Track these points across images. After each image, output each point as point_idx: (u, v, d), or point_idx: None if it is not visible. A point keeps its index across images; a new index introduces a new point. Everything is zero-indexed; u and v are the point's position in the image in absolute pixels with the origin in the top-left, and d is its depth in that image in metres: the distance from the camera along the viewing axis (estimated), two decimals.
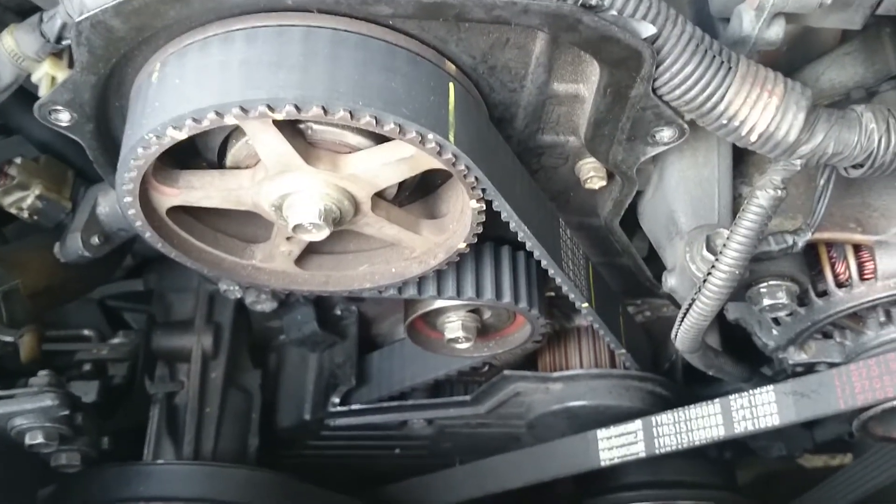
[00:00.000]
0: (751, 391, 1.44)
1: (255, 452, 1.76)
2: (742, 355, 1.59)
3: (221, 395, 1.74)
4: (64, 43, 1.12)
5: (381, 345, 1.85)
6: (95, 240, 1.35)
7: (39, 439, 1.29)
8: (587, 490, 1.87)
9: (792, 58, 1.35)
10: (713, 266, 1.17)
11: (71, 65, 1.12)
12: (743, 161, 1.35)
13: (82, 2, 1.05)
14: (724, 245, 1.16)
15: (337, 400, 1.78)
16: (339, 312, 1.80)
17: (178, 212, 1.23)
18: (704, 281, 1.19)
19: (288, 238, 1.27)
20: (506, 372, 1.67)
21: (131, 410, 1.69)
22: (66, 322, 1.93)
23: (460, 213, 1.25)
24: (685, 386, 1.76)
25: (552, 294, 1.56)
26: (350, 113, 1.00)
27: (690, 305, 1.22)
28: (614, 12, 1.03)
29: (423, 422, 1.82)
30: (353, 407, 1.77)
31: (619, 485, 1.83)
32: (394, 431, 1.84)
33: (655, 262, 1.54)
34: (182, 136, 1.03)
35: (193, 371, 1.72)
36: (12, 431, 1.29)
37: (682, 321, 1.25)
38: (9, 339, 1.30)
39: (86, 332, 2.01)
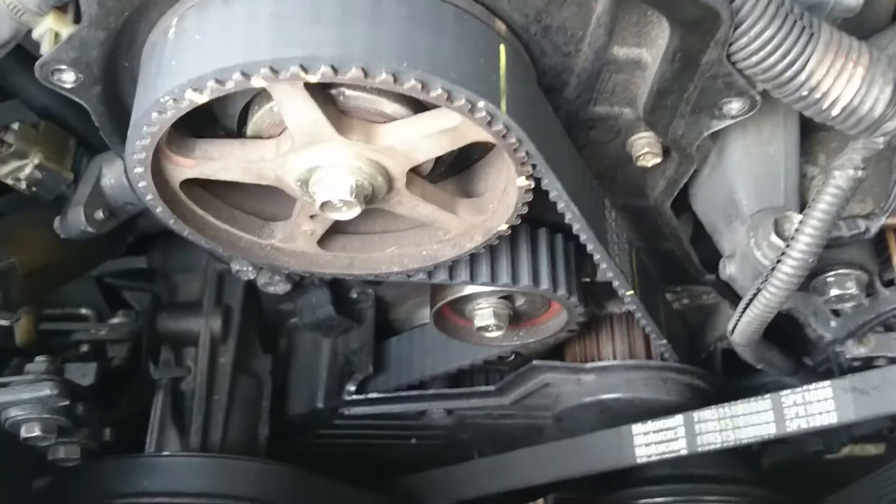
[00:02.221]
0: (805, 387, 1.34)
1: (266, 442, 1.66)
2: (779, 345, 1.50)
3: (230, 382, 1.63)
4: None
5: (400, 330, 1.75)
6: (100, 214, 1.23)
7: (36, 432, 1.18)
8: (602, 485, 1.77)
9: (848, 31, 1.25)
10: (783, 253, 1.07)
11: (77, 19, 1.00)
12: (807, 138, 1.25)
13: None
14: (797, 230, 1.06)
15: (352, 388, 1.67)
16: (355, 296, 1.69)
17: (193, 185, 1.12)
18: (772, 269, 1.08)
19: (312, 216, 1.16)
20: (535, 362, 1.57)
21: (134, 398, 1.58)
22: (62, 300, 1.83)
23: (503, 192, 1.14)
24: (724, 378, 1.66)
25: (587, 280, 1.45)
26: (393, 76, 0.89)
27: (755, 296, 1.11)
28: None
29: (442, 411, 1.72)
30: (370, 395, 1.67)
31: (639, 479, 1.73)
32: (411, 421, 1.74)
33: (698, 247, 1.45)
34: (203, 99, 0.91)
35: (201, 356, 1.61)
36: (7, 423, 1.18)
37: (742, 313, 1.15)
38: (4, 322, 1.18)
39: (83, 310, 1.91)
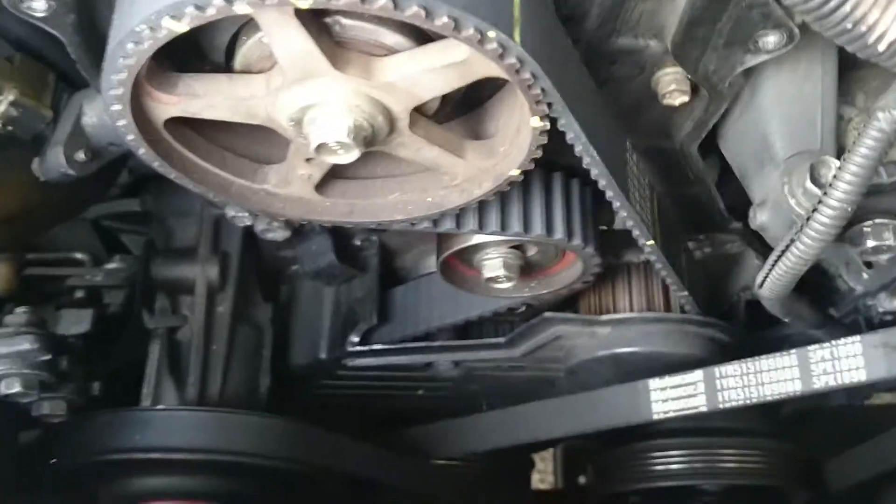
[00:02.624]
0: (833, 342, 1.26)
1: (266, 394, 1.60)
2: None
3: (229, 331, 1.56)
4: None
5: (405, 279, 1.67)
6: (81, 155, 1.14)
7: (17, 388, 1.12)
8: (613, 437, 1.70)
9: None
10: (819, 201, 0.98)
11: None
12: (845, 77, 1.15)
13: None
14: (835, 176, 0.97)
15: (356, 339, 1.60)
16: (358, 243, 1.61)
17: (179, 124, 1.03)
18: (808, 219, 0.99)
19: (308, 160, 1.07)
20: (547, 314, 1.49)
21: (128, 348, 1.51)
22: (56, 244, 1.75)
23: (515, 134, 1.04)
24: (747, 330, 1.58)
25: (604, 228, 1.37)
26: (394, 1, 0.79)
27: (788, 247, 1.03)
28: None
29: (449, 363, 1.66)
30: (374, 347, 1.60)
31: (652, 431, 1.67)
32: (417, 372, 1.68)
33: (724, 192, 1.36)
34: (181, 27, 0.82)
35: (198, 304, 1.54)
36: None
37: (773, 265, 1.06)
38: None
39: (78, 255, 1.84)
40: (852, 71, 1.15)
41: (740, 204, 1.30)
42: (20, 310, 1.17)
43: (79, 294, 1.74)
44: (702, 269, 1.53)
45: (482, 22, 0.82)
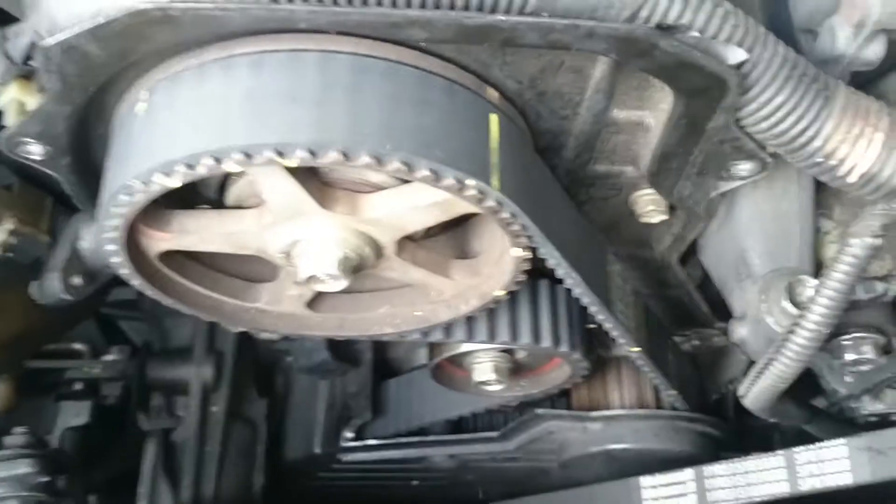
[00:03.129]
0: (819, 444, 1.27)
1: (261, 491, 1.61)
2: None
3: (223, 430, 1.58)
4: (32, 64, 0.94)
5: (399, 370, 1.69)
6: (77, 280, 1.17)
7: None
8: None
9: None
10: (796, 323, 1.00)
11: (42, 89, 0.94)
12: (821, 189, 1.18)
13: (52, 19, 0.87)
14: (812, 299, 0.99)
15: (350, 434, 1.62)
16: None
17: (172, 253, 1.06)
18: (784, 340, 1.02)
19: (297, 282, 1.10)
20: (539, 410, 1.51)
21: (124, 453, 1.52)
22: None
23: (498, 258, 1.07)
24: (736, 419, 1.59)
25: (592, 326, 1.39)
26: (376, 158, 0.83)
27: (767, 365, 1.05)
28: (695, 33, 0.85)
29: (444, 455, 1.66)
30: (369, 442, 1.62)
31: None
32: (412, 465, 1.69)
33: (708, 291, 1.38)
34: (174, 183, 0.85)
35: (192, 405, 1.56)
36: None
37: (755, 380, 1.08)
38: None
39: (76, 346, 1.86)
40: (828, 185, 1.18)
41: (723, 302, 1.32)
42: (18, 430, 1.19)
43: (77, 386, 1.76)
44: (690, 362, 1.56)
45: (460, 172, 0.86)
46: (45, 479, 1.13)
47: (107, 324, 1.98)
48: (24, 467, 1.11)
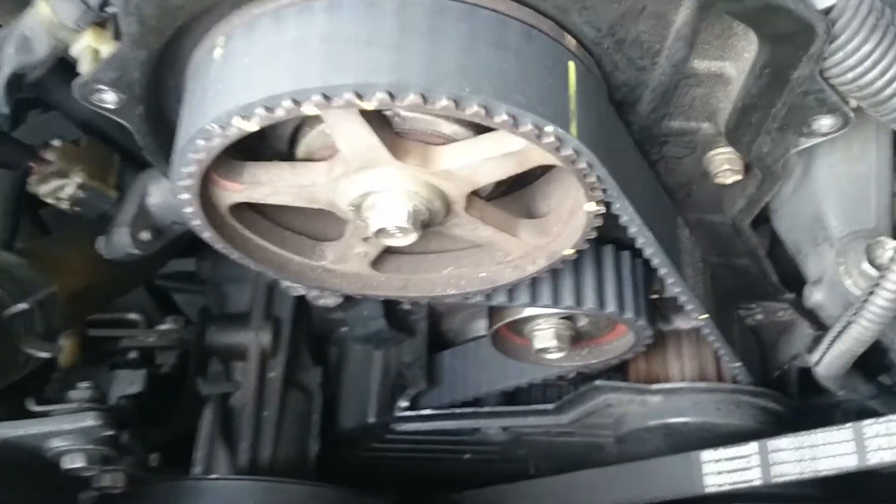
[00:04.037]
0: (889, 417, 1.24)
1: (315, 458, 1.61)
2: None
3: (280, 397, 1.58)
4: (109, 10, 0.94)
5: (453, 342, 1.68)
6: (146, 235, 1.18)
7: (80, 463, 1.13)
8: None
9: None
10: (877, 284, 0.98)
11: (117, 35, 0.94)
12: None
13: None
14: (892, 258, 0.96)
15: (405, 403, 1.61)
16: (407, 307, 1.62)
17: (241, 207, 1.06)
18: (865, 301, 0.99)
19: (365, 238, 1.10)
20: (597, 382, 1.49)
21: (183, 415, 1.53)
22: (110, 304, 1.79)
23: (569, 215, 1.06)
24: (799, 396, 1.56)
25: (656, 296, 1.37)
26: (455, 101, 0.82)
27: (845, 328, 1.02)
28: None
29: (497, 428, 1.65)
30: (423, 412, 1.61)
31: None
32: (465, 436, 1.68)
33: (776, 261, 1.35)
34: (252, 127, 0.85)
35: (251, 370, 1.56)
36: (49, 454, 1.13)
37: (830, 345, 1.06)
38: (45, 355, 1.13)
39: (131, 315, 1.88)
40: None
41: (792, 273, 1.29)
42: (83, 385, 1.19)
43: (132, 355, 1.78)
44: (753, 337, 1.53)
45: (540, 118, 0.84)
46: (110, 433, 1.14)
47: (160, 296, 2.00)
48: (89, 420, 1.12)
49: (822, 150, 1.10)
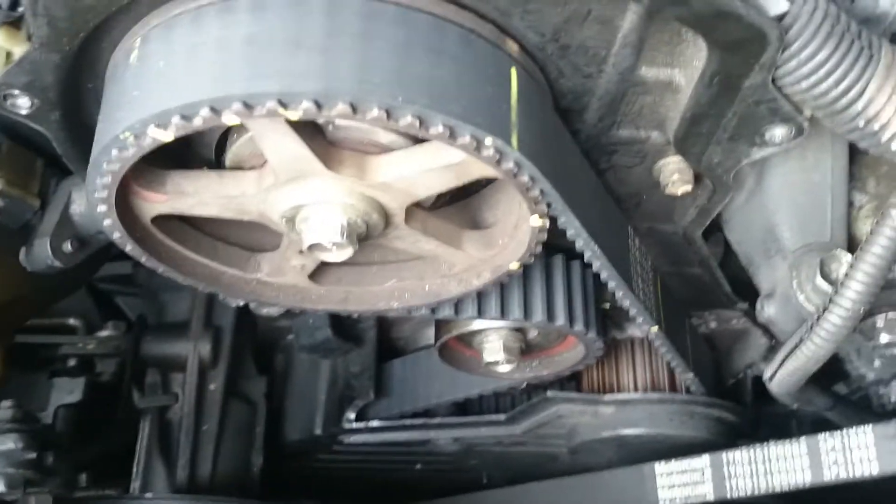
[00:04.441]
0: (845, 431, 1.21)
1: (259, 473, 1.55)
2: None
3: (221, 409, 1.52)
4: (20, 10, 0.88)
5: (404, 350, 1.63)
6: (67, 246, 1.11)
7: (0, 487, 1.07)
8: None
9: None
10: (831, 301, 0.94)
11: (30, 37, 0.88)
12: (854, 161, 1.11)
13: None
14: (847, 276, 0.93)
15: (352, 415, 1.56)
16: (355, 315, 1.57)
17: (167, 217, 1.00)
18: (818, 318, 0.95)
19: (301, 251, 1.04)
20: (549, 393, 1.45)
21: (118, 431, 1.47)
22: (50, 308, 1.72)
23: (514, 228, 1.01)
24: (754, 406, 1.54)
25: (607, 305, 1.33)
26: (387, 112, 0.77)
27: (797, 346, 0.99)
28: None
29: (448, 439, 1.61)
30: (372, 424, 1.56)
31: None
32: (416, 448, 1.63)
33: (728, 269, 1.32)
34: (167, 136, 0.79)
35: (189, 382, 1.50)
36: None
37: (783, 362, 1.02)
38: None
39: (71, 321, 1.81)
40: (862, 155, 1.11)
41: (745, 279, 1.26)
42: (5, 404, 1.13)
43: (71, 362, 1.71)
44: (706, 345, 1.50)
45: (478, 129, 0.79)
46: (32, 455, 1.07)
47: (102, 299, 1.93)
48: (9, 443, 1.05)
49: (776, 160, 1.07)
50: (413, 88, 0.77)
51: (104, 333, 1.77)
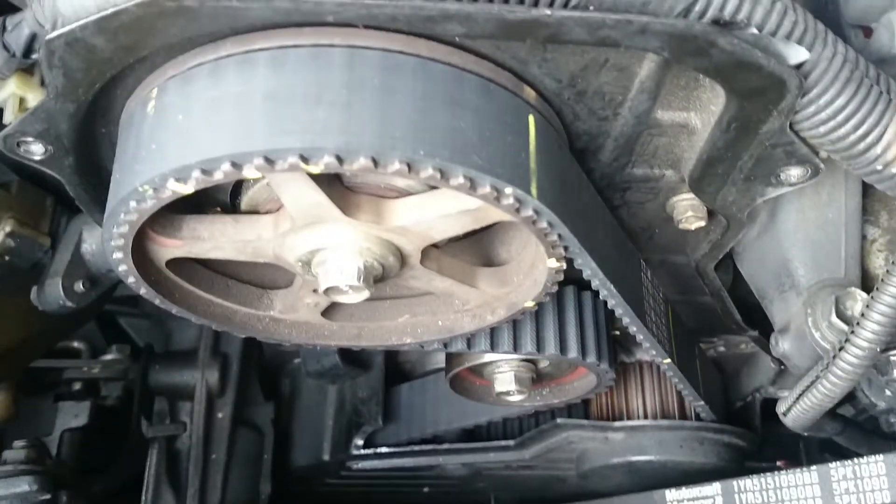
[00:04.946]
0: (856, 460, 1.21)
1: (267, 500, 1.55)
2: None
3: (229, 438, 1.53)
4: (34, 57, 0.87)
5: (411, 375, 1.63)
6: (79, 286, 1.11)
7: None
8: None
9: None
10: (847, 340, 0.94)
11: (44, 83, 0.87)
12: (867, 195, 1.11)
13: (55, 7, 0.80)
14: (863, 315, 0.93)
15: (360, 442, 1.56)
16: None
17: (181, 259, 0.99)
18: (835, 357, 0.96)
19: (315, 290, 1.04)
20: (558, 420, 1.45)
21: (126, 465, 1.46)
22: None
23: (530, 267, 1.01)
24: (762, 426, 1.54)
25: (616, 333, 1.33)
26: (408, 165, 0.76)
27: (813, 384, 0.99)
28: (754, 30, 0.78)
29: (457, 464, 1.61)
30: (380, 450, 1.56)
31: None
32: (423, 472, 1.63)
33: (737, 294, 1.32)
34: (187, 190, 0.79)
35: (197, 411, 1.50)
36: None
37: (799, 399, 1.02)
38: None
39: (75, 344, 1.80)
40: (875, 189, 1.11)
41: (753, 302, 1.26)
42: (18, 444, 1.12)
43: (76, 386, 1.70)
44: (715, 369, 1.50)
45: (498, 180, 0.79)
46: (47, 496, 1.07)
47: (107, 321, 1.92)
48: (24, 485, 1.05)
49: (790, 196, 1.07)
50: (434, 141, 0.77)
51: (109, 357, 1.77)
